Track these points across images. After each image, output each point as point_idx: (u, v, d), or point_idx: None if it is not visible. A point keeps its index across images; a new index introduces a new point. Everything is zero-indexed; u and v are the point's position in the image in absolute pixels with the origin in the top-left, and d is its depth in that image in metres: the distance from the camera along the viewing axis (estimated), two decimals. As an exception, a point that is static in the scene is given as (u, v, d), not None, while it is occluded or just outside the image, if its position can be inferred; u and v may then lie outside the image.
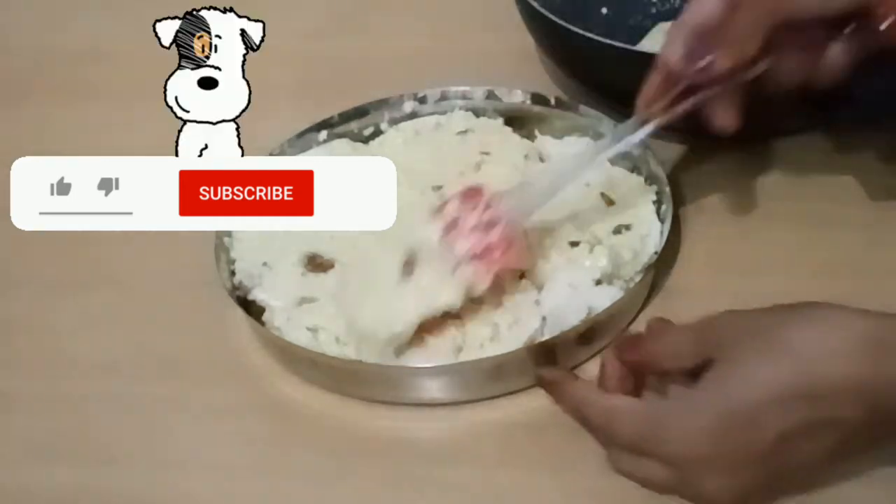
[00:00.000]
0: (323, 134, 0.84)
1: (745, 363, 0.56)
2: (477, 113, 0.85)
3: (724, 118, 0.69)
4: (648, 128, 0.71)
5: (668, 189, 0.76)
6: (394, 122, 0.85)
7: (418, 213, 0.73)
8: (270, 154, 0.81)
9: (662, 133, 0.73)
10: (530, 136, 0.84)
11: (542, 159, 0.82)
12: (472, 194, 0.71)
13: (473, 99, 0.85)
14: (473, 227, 0.70)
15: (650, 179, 0.79)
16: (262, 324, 0.73)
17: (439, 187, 0.79)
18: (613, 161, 0.79)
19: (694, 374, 0.58)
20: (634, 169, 0.80)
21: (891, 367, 0.54)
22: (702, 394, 0.57)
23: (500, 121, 0.85)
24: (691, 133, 0.84)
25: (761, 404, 0.55)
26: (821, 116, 0.81)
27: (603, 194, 0.78)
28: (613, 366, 0.61)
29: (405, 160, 0.78)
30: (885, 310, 0.56)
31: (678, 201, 0.78)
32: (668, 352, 0.60)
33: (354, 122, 0.85)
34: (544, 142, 0.84)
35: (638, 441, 0.58)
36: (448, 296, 0.69)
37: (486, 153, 0.81)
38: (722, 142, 0.84)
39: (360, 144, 0.85)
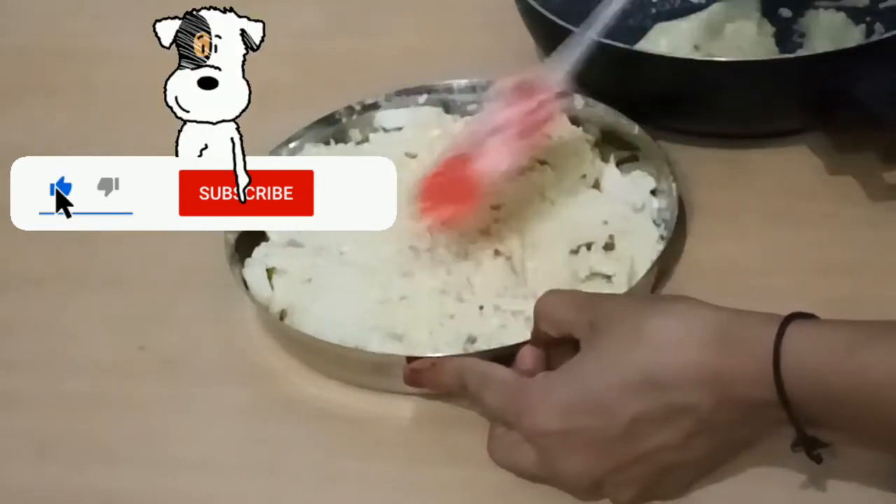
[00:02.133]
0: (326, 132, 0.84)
1: (604, 348, 0.60)
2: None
3: None
4: None
5: (673, 186, 0.76)
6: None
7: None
8: (270, 154, 0.81)
9: (663, 133, 0.74)
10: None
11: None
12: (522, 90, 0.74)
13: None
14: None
15: (653, 177, 0.79)
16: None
17: (413, 155, 0.80)
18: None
19: None
20: (637, 167, 0.81)
21: (737, 356, 0.56)
22: (563, 374, 0.61)
23: None
24: (692, 133, 0.84)
25: (614, 388, 0.58)
26: (821, 116, 0.81)
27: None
28: (527, 346, 0.65)
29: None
30: (884, 311, 0.56)
31: (679, 201, 0.78)
32: (548, 311, 0.63)
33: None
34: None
35: (501, 410, 0.62)
36: None
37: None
38: (722, 142, 0.85)
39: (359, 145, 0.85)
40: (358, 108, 0.86)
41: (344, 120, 0.85)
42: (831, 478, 0.62)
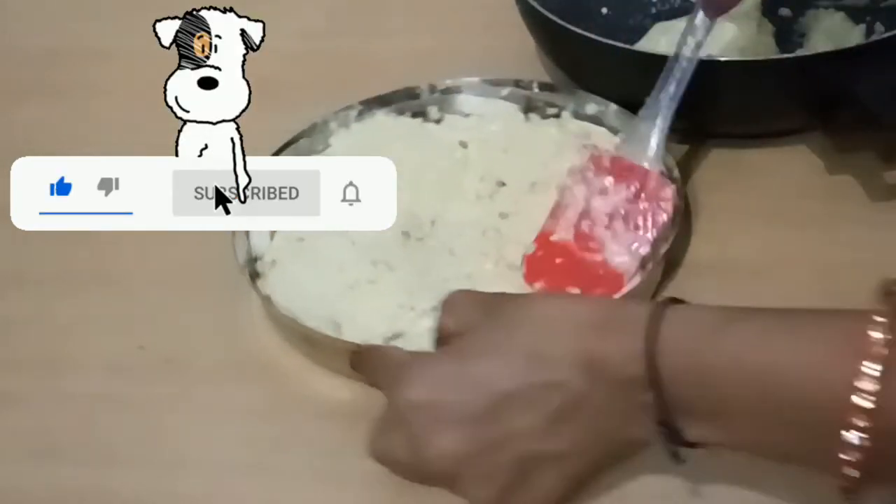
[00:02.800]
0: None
1: (487, 328, 0.61)
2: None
3: None
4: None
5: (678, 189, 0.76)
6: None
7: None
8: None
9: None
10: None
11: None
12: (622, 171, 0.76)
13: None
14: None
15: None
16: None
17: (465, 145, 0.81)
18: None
19: None
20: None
21: (612, 338, 0.56)
22: (445, 351, 0.62)
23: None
24: (692, 133, 0.84)
25: (488, 364, 0.59)
26: (821, 116, 0.81)
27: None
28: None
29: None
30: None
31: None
32: (452, 305, 0.64)
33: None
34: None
35: (386, 383, 0.62)
36: None
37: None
38: (722, 141, 0.85)
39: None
40: (441, 87, 0.86)
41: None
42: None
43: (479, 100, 0.86)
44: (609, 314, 0.58)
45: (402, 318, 0.72)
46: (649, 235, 0.74)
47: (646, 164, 0.76)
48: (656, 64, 0.78)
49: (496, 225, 0.77)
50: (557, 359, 0.57)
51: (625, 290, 0.72)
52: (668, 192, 0.75)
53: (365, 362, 0.66)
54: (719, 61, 0.81)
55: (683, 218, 0.77)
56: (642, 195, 0.75)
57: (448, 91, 0.86)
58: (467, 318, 0.63)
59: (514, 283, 0.73)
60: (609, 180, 0.76)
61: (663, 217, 0.74)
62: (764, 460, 0.57)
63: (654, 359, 0.55)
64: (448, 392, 0.59)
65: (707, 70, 0.78)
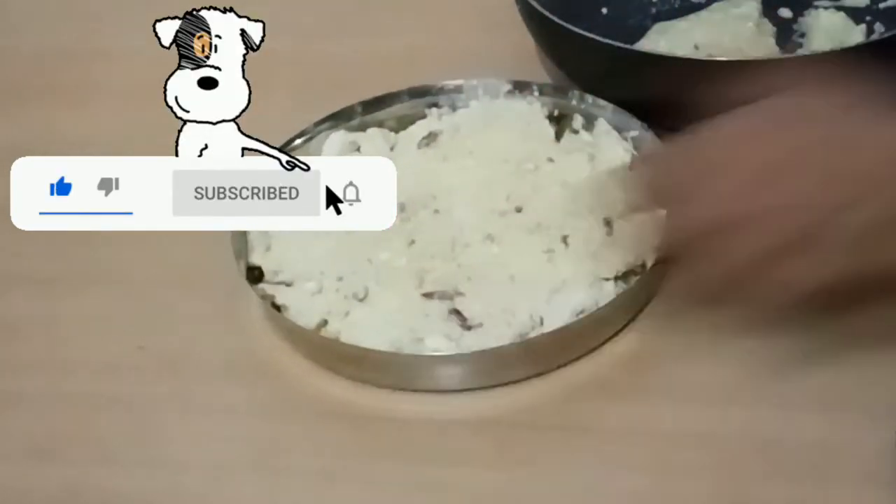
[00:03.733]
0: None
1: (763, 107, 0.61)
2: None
3: None
4: None
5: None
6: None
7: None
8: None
9: (666, 133, 0.74)
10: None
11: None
12: None
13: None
14: None
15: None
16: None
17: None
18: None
19: None
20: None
21: None
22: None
23: None
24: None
25: (783, 119, 0.60)
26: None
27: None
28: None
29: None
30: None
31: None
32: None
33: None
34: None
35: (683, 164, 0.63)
36: None
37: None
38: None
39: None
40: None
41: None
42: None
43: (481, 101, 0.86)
44: None
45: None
46: None
47: None
48: (656, 64, 0.78)
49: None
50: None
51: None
52: None
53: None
54: (719, 61, 0.81)
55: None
56: None
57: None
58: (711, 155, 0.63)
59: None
60: None
61: None
62: None
63: None
64: (750, 140, 0.60)
65: (709, 70, 0.79)
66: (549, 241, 0.74)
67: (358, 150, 0.83)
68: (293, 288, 0.74)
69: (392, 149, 0.83)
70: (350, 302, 0.73)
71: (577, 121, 0.83)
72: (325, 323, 0.72)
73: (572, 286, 0.72)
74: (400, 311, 0.72)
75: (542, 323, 0.70)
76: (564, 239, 0.74)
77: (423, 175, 0.80)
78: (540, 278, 0.72)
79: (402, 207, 0.74)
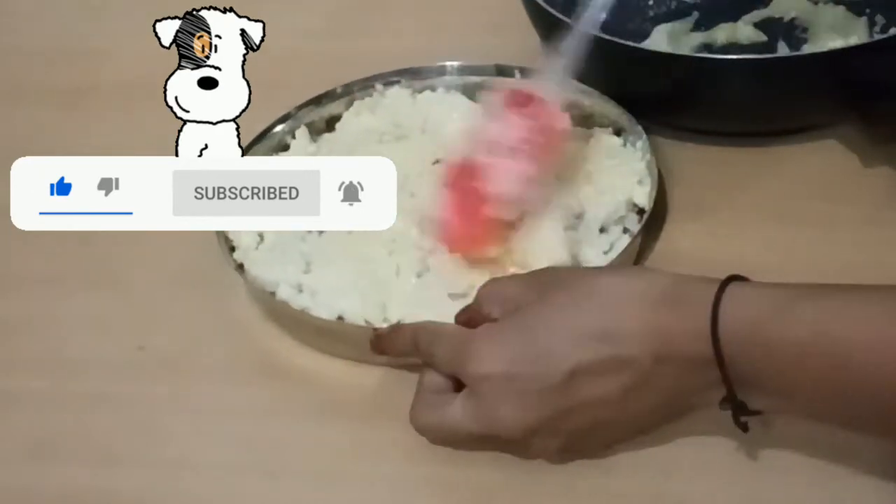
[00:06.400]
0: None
1: (555, 301, 0.61)
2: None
3: None
4: None
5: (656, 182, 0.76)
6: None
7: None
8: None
9: (668, 132, 0.74)
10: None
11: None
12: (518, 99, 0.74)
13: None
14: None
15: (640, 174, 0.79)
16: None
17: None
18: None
19: None
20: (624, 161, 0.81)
21: (679, 314, 0.58)
22: (510, 322, 0.62)
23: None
24: (693, 132, 0.85)
25: (560, 338, 0.60)
26: (857, 107, 0.80)
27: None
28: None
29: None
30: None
31: (676, 199, 0.79)
32: (495, 290, 0.65)
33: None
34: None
35: (448, 360, 0.63)
36: None
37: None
38: (723, 140, 0.85)
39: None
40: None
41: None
42: (759, 447, 0.64)
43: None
44: (675, 289, 0.59)
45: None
46: (535, 164, 0.72)
47: (548, 95, 0.75)
48: (663, 62, 0.78)
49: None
50: (627, 334, 0.59)
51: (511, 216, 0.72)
52: (563, 121, 0.75)
53: (395, 339, 0.67)
54: (720, 60, 0.81)
55: (684, 217, 0.77)
56: (537, 125, 0.73)
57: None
58: (517, 298, 0.63)
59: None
60: (506, 111, 0.74)
61: (553, 146, 0.74)
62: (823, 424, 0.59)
63: (718, 336, 0.56)
64: (522, 366, 0.60)
65: (715, 68, 0.79)
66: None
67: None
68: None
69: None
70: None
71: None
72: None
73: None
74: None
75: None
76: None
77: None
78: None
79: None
